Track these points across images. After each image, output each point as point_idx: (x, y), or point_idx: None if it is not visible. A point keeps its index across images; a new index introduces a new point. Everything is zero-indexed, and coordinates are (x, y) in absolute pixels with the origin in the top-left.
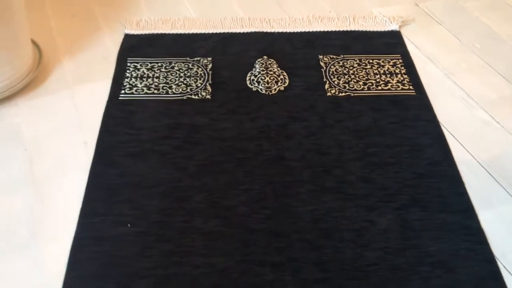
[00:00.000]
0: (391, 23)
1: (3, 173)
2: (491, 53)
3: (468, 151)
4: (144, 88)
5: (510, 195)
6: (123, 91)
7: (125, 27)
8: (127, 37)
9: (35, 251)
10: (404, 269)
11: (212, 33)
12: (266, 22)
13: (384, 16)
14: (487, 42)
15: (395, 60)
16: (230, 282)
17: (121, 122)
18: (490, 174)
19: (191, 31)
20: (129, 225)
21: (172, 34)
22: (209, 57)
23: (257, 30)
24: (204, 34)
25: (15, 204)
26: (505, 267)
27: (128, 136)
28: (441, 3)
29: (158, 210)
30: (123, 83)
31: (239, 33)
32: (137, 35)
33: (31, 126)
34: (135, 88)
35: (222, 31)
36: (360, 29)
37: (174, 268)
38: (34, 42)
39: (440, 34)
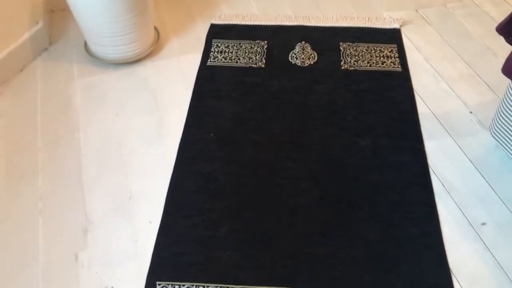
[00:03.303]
0: (394, 23)
1: (139, 104)
2: (463, 47)
3: (428, 107)
4: (223, 59)
5: (448, 133)
6: (209, 60)
7: (211, 19)
8: (212, 25)
9: (159, 145)
10: (370, 167)
11: (269, 25)
12: (306, 18)
13: (391, 17)
14: (462, 39)
15: (392, 48)
16: (267, 166)
17: (208, 78)
18: (439, 121)
19: (254, 23)
20: (212, 134)
21: (242, 25)
22: (265, 40)
23: (299, 24)
24: (263, 25)
25: (147, 121)
26: (433, 172)
27: (211, 87)
28: (435, 10)
29: (228, 128)
30: (209, 55)
31: (287, 25)
32: (219, 25)
33: (153, 78)
34: (217, 58)
35: (275, 23)
36: (372, 26)
37: (236, 157)
38: (155, 27)
39: (429, 32)
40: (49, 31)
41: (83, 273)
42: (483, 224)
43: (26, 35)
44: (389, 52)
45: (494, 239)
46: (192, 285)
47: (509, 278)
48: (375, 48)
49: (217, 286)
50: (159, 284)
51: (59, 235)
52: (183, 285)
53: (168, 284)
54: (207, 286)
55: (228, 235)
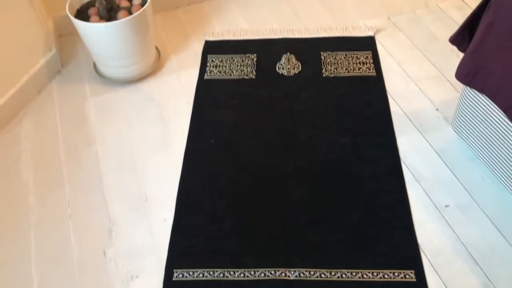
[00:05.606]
0: (369, 31)
1: (146, 117)
2: (430, 50)
3: (400, 106)
4: (218, 72)
5: (417, 129)
6: (206, 74)
7: (206, 36)
8: (207, 42)
9: (167, 152)
10: (350, 162)
11: (257, 39)
12: (290, 31)
13: (366, 26)
14: (429, 43)
15: (367, 55)
16: (262, 167)
17: (206, 91)
18: (409, 118)
19: (244, 38)
20: (212, 141)
21: (233, 40)
22: (255, 54)
23: (284, 36)
24: (252, 39)
25: (155, 132)
26: (404, 163)
27: (209, 98)
28: (405, 17)
29: (226, 135)
30: (205, 69)
31: (273, 38)
32: (213, 41)
33: (157, 93)
34: (212, 72)
35: (263, 37)
36: (349, 35)
37: (234, 160)
38: (155, 47)
39: (400, 38)
40: (60, 55)
41: (111, 266)
42: (447, 206)
43: (42, 61)
44: (365, 58)
45: (456, 218)
46: (204, 271)
47: (468, 250)
48: (352, 55)
49: (224, 270)
50: (176, 271)
51: (88, 235)
52: (196, 271)
53: (184, 271)
54: (216, 271)
55: (231, 228)
